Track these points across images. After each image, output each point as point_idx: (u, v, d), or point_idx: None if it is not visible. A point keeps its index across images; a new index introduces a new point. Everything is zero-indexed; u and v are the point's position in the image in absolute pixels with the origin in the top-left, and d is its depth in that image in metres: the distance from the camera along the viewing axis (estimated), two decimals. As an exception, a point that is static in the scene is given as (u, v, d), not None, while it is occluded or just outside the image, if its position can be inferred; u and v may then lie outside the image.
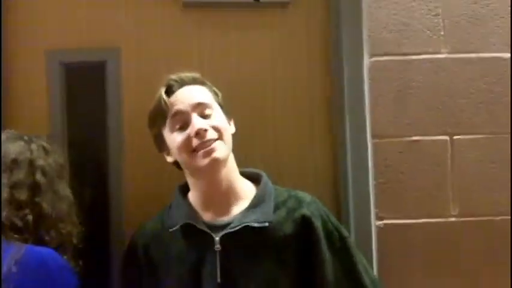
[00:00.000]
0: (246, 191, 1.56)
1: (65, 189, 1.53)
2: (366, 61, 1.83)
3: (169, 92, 1.53)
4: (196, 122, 1.47)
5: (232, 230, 1.47)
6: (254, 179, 1.59)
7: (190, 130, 1.47)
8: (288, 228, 1.50)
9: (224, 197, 1.54)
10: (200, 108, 1.50)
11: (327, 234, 1.52)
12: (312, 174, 1.91)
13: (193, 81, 1.55)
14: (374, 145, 1.82)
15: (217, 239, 1.48)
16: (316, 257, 1.50)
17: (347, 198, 1.85)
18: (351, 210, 1.83)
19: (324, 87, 1.93)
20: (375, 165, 1.81)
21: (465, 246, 1.80)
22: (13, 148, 1.50)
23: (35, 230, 1.45)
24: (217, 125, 1.50)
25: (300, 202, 1.54)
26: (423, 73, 1.82)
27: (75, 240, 1.52)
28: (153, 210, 1.82)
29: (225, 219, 1.52)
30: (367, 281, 1.51)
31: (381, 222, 1.81)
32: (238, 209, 1.52)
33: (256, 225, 1.47)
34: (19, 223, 1.42)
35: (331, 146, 1.92)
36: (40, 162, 1.50)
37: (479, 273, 1.80)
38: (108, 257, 1.93)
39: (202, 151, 1.47)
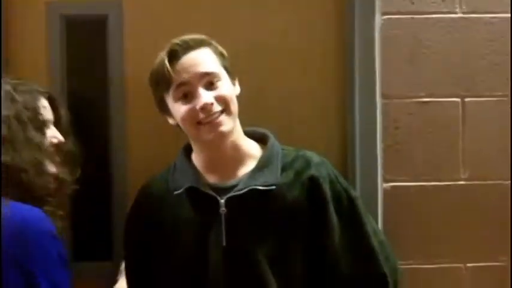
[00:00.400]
0: (253, 152, 1.51)
1: (35, 137, 1.41)
2: (378, 19, 1.78)
3: (173, 57, 1.43)
4: (203, 96, 1.41)
5: (238, 193, 1.44)
6: (260, 139, 1.54)
7: (196, 103, 1.41)
8: (296, 190, 1.46)
9: (230, 159, 1.49)
10: (206, 79, 1.43)
11: (334, 195, 1.48)
12: (320, 135, 1.88)
13: (199, 44, 1.45)
14: (383, 106, 1.79)
15: (222, 201, 1.44)
16: (323, 220, 1.46)
17: (354, 160, 1.83)
18: (358, 172, 1.81)
19: (335, 47, 1.89)
20: (384, 126, 1.79)
21: (474, 209, 1.79)
22: None
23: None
24: (223, 95, 1.43)
25: (308, 163, 1.49)
26: (437, 33, 1.78)
27: (50, 191, 1.41)
28: (156, 167, 1.79)
29: (231, 181, 1.48)
30: (374, 243, 1.48)
31: (388, 184, 1.79)
32: (244, 170, 1.48)
33: (262, 188, 1.43)
34: None
35: (341, 106, 1.89)
36: (5, 112, 1.39)
37: (489, 237, 1.78)
38: (109, 216, 1.93)
39: (208, 125, 1.43)
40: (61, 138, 1.50)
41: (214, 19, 1.87)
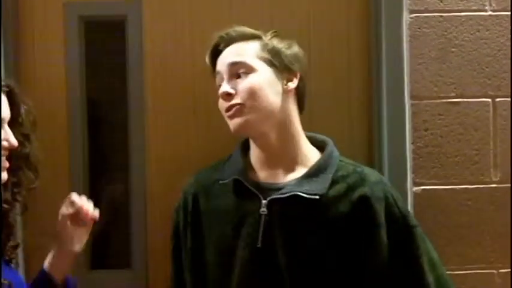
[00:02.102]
0: (309, 157, 1.46)
1: None
2: (406, 18, 1.75)
3: (216, 51, 1.46)
4: (223, 85, 1.41)
5: (280, 196, 1.40)
6: (321, 146, 1.51)
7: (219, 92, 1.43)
8: (344, 206, 1.40)
9: (280, 160, 1.46)
10: (234, 68, 1.42)
11: (389, 220, 1.40)
12: (346, 137, 1.85)
13: (241, 37, 1.45)
14: (412, 107, 1.76)
15: (264, 201, 1.41)
16: (371, 244, 1.39)
17: (382, 163, 1.80)
18: (386, 175, 1.76)
19: (361, 46, 1.86)
20: (413, 128, 1.76)
21: (506, 213, 1.75)
22: None
23: None
24: (246, 87, 1.40)
25: (363, 180, 1.43)
26: (466, 31, 1.76)
27: None
28: (175, 170, 1.83)
29: (279, 183, 1.44)
30: (430, 278, 1.40)
31: (418, 188, 1.76)
32: (295, 175, 1.44)
33: (305, 196, 1.39)
34: None
35: (367, 107, 1.86)
36: None
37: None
38: (128, 224, 1.91)
39: (227, 114, 1.42)
40: (13, 141, 1.33)
41: (233, 18, 1.81)
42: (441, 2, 1.74)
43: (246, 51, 1.42)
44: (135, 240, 1.89)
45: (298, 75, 1.45)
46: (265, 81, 1.41)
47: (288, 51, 1.45)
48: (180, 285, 1.55)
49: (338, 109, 1.86)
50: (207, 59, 1.47)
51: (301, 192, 1.39)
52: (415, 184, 1.75)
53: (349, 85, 1.86)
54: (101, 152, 1.92)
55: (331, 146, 1.49)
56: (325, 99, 1.85)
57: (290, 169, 1.45)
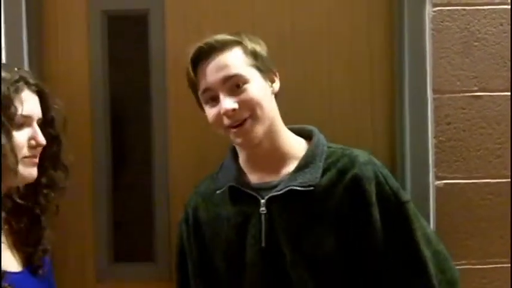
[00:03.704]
0: (297, 150, 1.47)
1: None
2: (429, 11, 1.75)
3: (198, 61, 1.43)
4: (224, 102, 1.38)
5: (277, 193, 1.42)
6: (308, 136, 1.51)
7: (219, 109, 1.39)
8: (338, 191, 1.41)
9: (271, 159, 1.47)
10: (230, 83, 1.39)
11: (381, 198, 1.41)
12: (369, 131, 1.85)
13: (225, 45, 1.41)
14: (435, 101, 1.75)
15: (262, 201, 1.43)
16: (366, 224, 1.40)
17: (404, 157, 1.79)
18: (408, 169, 1.78)
19: (383, 40, 1.85)
20: (436, 122, 1.76)
21: (529, 207, 1.74)
22: None
23: None
24: (249, 99, 1.39)
25: (352, 162, 1.43)
26: (489, 24, 1.75)
27: None
28: (197, 166, 1.85)
29: (273, 181, 1.46)
30: (426, 252, 1.40)
31: (440, 182, 1.76)
32: (287, 170, 1.45)
33: (300, 189, 1.40)
34: None
35: (389, 101, 1.85)
36: None
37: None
38: (151, 217, 1.92)
39: (233, 130, 1.41)
40: (41, 140, 1.34)
41: (256, 11, 1.84)
42: (464, -5, 1.74)
43: (234, 62, 1.40)
44: (158, 233, 1.90)
45: (277, 74, 1.47)
46: (261, 88, 1.42)
47: (264, 52, 1.45)
48: None
49: (360, 103, 1.85)
50: (191, 73, 1.43)
51: (295, 186, 1.40)
52: (437, 178, 1.75)
53: (372, 79, 1.86)
54: (124, 147, 1.94)
55: (317, 135, 1.49)
56: (347, 94, 1.85)
57: (281, 165, 1.46)
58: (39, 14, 1.86)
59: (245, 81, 1.39)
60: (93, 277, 1.91)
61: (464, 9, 1.74)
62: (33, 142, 1.32)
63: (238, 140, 1.42)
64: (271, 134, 1.45)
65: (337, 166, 1.43)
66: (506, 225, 1.74)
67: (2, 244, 1.33)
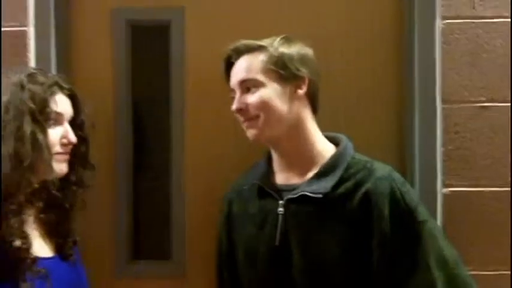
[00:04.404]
0: (324, 156, 1.51)
1: (29, 129, 1.36)
2: (439, 24, 1.79)
3: (228, 63, 1.54)
4: (236, 101, 1.50)
5: (292, 196, 1.47)
6: (337, 143, 1.55)
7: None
8: (352, 202, 1.44)
9: (296, 162, 1.52)
10: (244, 84, 1.49)
11: (394, 215, 1.41)
12: (379, 139, 1.89)
13: (249, 50, 1.51)
14: (444, 110, 1.79)
15: (281, 202, 1.48)
16: (374, 238, 1.41)
17: (413, 164, 1.83)
18: (417, 177, 1.81)
19: (395, 51, 1.90)
20: (444, 131, 1.79)
21: (535, 215, 1.76)
22: None
23: None
24: (256, 102, 1.47)
25: (369, 175, 1.45)
26: (497, 37, 1.79)
27: (22, 187, 1.36)
28: (213, 167, 1.91)
29: (296, 183, 1.50)
30: (435, 274, 1.38)
31: (447, 189, 1.79)
32: (312, 173, 1.50)
33: (310, 195, 1.45)
34: None
35: (399, 110, 1.89)
36: (5, 98, 1.37)
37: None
38: (169, 216, 1.97)
39: (244, 124, 1.51)
40: (72, 138, 1.45)
41: (270, 23, 1.89)
42: (473, 8, 1.78)
43: (253, 67, 1.48)
44: (175, 233, 1.95)
45: (307, 80, 1.49)
46: (273, 93, 1.47)
47: (295, 58, 1.48)
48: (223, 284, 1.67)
49: (371, 112, 1.89)
50: (225, 76, 1.55)
51: (307, 192, 1.45)
52: (445, 185, 1.79)
53: (383, 89, 1.90)
54: (144, 149, 1.98)
55: (343, 144, 1.52)
56: (359, 103, 1.89)
57: (306, 170, 1.50)
58: (67, 24, 1.93)
59: (258, 86, 1.47)
60: (111, 275, 1.96)
61: (473, 22, 1.78)
62: (64, 140, 1.43)
63: (248, 134, 1.50)
64: (292, 137, 1.50)
65: (355, 177, 1.46)
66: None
67: (35, 231, 1.44)
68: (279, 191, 1.51)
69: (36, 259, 1.37)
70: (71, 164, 1.48)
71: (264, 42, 1.50)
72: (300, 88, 1.49)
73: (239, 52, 1.51)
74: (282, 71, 1.48)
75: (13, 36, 1.86)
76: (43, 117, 1.38)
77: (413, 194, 1.46)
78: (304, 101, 1.50)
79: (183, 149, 1.94)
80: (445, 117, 1.79)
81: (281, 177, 1.54)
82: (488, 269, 1.78)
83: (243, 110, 1.48)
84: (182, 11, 1.93)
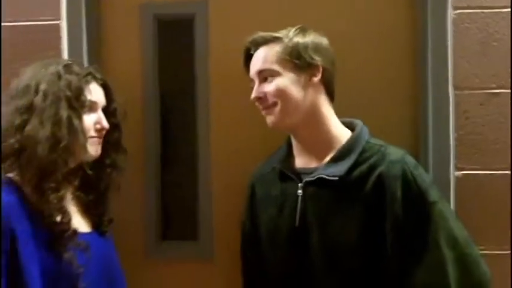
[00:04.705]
0: (341, 140, 1.58)
1: (65, 115, 1.48)
2: (450, 13, 1.85)
3: (247, 55, 1.63)
4: (254, 90, 1.59)
5: (310, 179, 1.55)
6: (353, 128, 1.62)
7: None
8: (366, 185, 1.50)
9: (313, 147, 1.60)
10: (262, 74, 1.58)
11: (406, 197, 1.46)
12: (394, 126, 1.94)
13: (265, 41, 1.59)
14: (456, 97, 1.86)
15: (300, 185, 1.56)
16: (388, 220, 1.47)
17: (427, 149, 1.89)
18: (431, 161, 1.87)
19: (408, 40, 1.96)
20: (456, 117, 1.86)
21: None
22: (28, 74, 1.52)
23: (18, 157, 1.45)
24: (272, 91, 1.55)
25: (383, 159, 1.51)
26: (507, 26, 1.84)
27: (59, 168, 1.47)
28: (237, 152, 1.99)
29: (314, 166, 1.58)
30: (445, 253, 1.43)
31: (459, 172, 1.85)
32: (329, 157, 1.57)
33: (327, 178, 1.52)
34: (4, 150, 1.46)
35: (413, 97, 1.95)
36: (44, 86, 1.49)
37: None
38: (195, 197, 2.06)
39: (263, 111, 1.61)
40: (105, 124, 1.57)
41: (290, 17, 1.91)
42: (483, -1, 1.83)
43: (269, 57, 1.56)
44: (202, 214, 2.03)
45: (321, 68, 1.56)
46: (289, 82, 1.54)
47: (309, 47, 1.55)
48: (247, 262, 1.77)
49: (388, 99, 1.95)
50: (245, 68, 1.64)
51: (324, 175, 1.52)
52: (457, 169, 1.85)
53: (398, 77, 1.95)
54: (171, 135, 2.07)
55: (358, 129, 1.59)
56: (376, 91, 1.95)
57: (324, 154, 1.58)
58: (97, 18, 2.03)
59: (274, 75, 1.55)
60: (142, 255, 2.04)
61: (483, 12, 1.84)
62: (98, 126, 1.56)
63: (267, 121, 1.59)
64: (309, 123, 1.57)
65: (370, 161, 1.52)
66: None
67: (73, 208, 1.57)
68: (299, 174, 1.59)
69: (76, 232, 1.49)
70: (105, 148, 1.61)
71: (279, 34, 1.58)
72: (315, 76, 1.56)
73: (257, 44, 1.60)
74: (297, 60, 1.55)
75: (46, 29, 1.96)
76: (78, 104, 1.50)
77: (425, 177, 1.51)
78: (319, 88, 1.57)
79: (208, 135, 2.02)
80: (457, 103, 1.85)
81: (300, 161, 1.62)
82: (499, 249, 1.84)
83: (261, 98, 1.57)
84: (205, 4, 2.01)
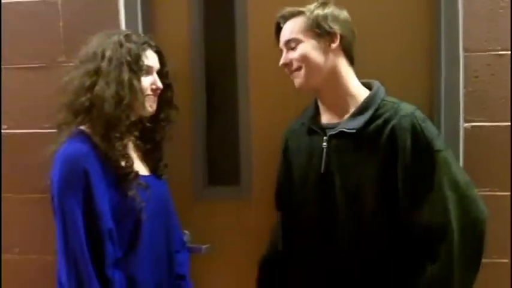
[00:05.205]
0: (360, 100, 1.75)
1: (126, 77, 1.67)
2: (461, -15, 2.03)
3: (279, 28, 1.81)
4: (282, 58, 1.79)
5: (333, 132, 1.74)
6: (371, 88, 1.78)
7: None
8: (381, 137, 1.65)
9: (335, 105, 1.78)
10: (288, 44, 1.76)
11: (415, 146, 1.61)
12: (410, 82, 2.12)
13: (291, 15, 1.77)
14: (465, 58, 2.05)
15: (325, 138, 1.76)
16: (399, 167, 1.62)
17: (439, 104, 2.08)
18: (442, 114, 2.06)
19: (424, 9, 2.13)
20: (465, 75, 2.05)
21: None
22: (95, 43, 1.73)
23: (89, 113, 1.67)
24: (297, 57, 1.74)
25: (395, 114, 1.66)
26: (511, -5, 2.01)
27: (123, 121, 1.68)
28: (275, 116, 2.19)
29: (337, 122, 1.76)
30: (447, 193, 1.58)
31: (468, 124, 2.05)
32: (349, 114, 1.75)
33: (347, 131, 1.70)
34: (77, 106, 1.68)
35: (428, 58, 2.12)
36: (108, 52, 1.69)
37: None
38: (237, 144, 2.28)
39: (291, 75, 1.80)
40: (159, 85, 1.78)
41: None
42: (492, -28, 1.99)
43: (294, 29, 1.76)
44: (243, 161, 2.24)
45: (339, 36, 1.73)
46: (310, 48, 1.74)
47: (328, 18, 1.72)
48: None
49: (404, 60, 2.12)
50: (274, 36, 1.82)
51: (344, 128, 1.71)
52: (466, 121, 2.04)
53: (414, 40, 2.13)
54: (215, 92, 2.29)
55: (375, 89, 1.76)
56: (394, 52, 2.13)
57: (345, 111, 1.76)
58: None
59: (298, 43, 1.74)
60: (191, 197, 2.27)
61: None
62: (153, 86, 1.80)
63: (295, 83, 1.78)
64: (330, 83, 1.75)
65: (384, 116, 1.68)
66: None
67: (134, 154, 1.81)
68: (323, 129, 1.78)
69: (138, 174, 1.74)
70: (160, 105, 1.85)
71: (303, 8, 1.76)
72: (333, 42, 1.73)
73: (285, 18, 1.78)
74: (317, 29, 1.73)
75: (106, 3, 2.20)
76: (137, 67, 1.71)
77: (431, 128, 1.66)
78: (338, 53, 1.74)
79: (248, 94, 2.24)
80: (467, 63, 2.04)
81: (325, 118, 1.81)
82: (502, 190, 2.05)
83: (288, 64, 1.77)
84: None
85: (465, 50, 2.05)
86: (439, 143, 1.64)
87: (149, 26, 2.23)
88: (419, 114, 1.68)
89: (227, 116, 2.28)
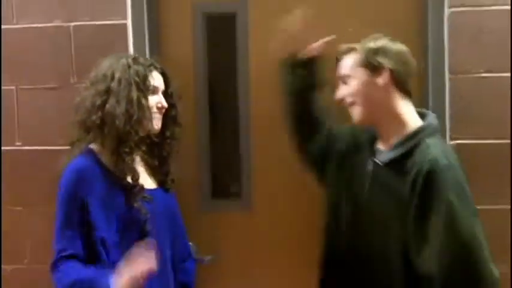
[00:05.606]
0: (406, 130, 1.75)
1: (135, 96, 1.77)
2: (446, 11, 2.17)
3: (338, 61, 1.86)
4: (336, 93, 1.85)
5: (374, 160, 1.81)
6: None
7: None
8: (406, 173, 1.68)
9: (385, 133, 1.81)
10: (341, 78, 1.82)
11: (428, 191, 1.62)
12: None
13: (346, 52, 1.83)
14: (450, 80, 2.18)
15: (370, 161, 1.82)
16: (412, 205, 1.66)
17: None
18: (430, 133, 2.19)
19: (412, 34, 2.24)
20: (451, 95, 2.18)
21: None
22: (104, 65, 1.82)
23: (100, 129, 1.77)
24: (349, 92, 1.79)
25: (424, 157, 1.66)
26: (494, 21, 2.15)
27: (132, 137, 1.77)
28: (277, 149, 2.28)
29: (383, 149, 1.81)
30: (445, 247, 1.58)
31: (454, 141, 2.18)
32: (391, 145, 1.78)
33: (377, 161, 1.78)
34: (89, 124, 1.78)
35: (416, 82, 2.10)
36: (118, 74, 1.78)
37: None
38: (239, 159, 2.40)
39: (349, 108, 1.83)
40: (164, 103, 1.86)
41: (324, 16, 2.12)
42: (473, -1, 2.14)
43: (346, 65, 1.81)
44: (244, 177, 2.36)
45: (388, 70, 1.73)
46: (360, 84, 1.78)
47: (377, 53, 1.74)
48: None
49: None
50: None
51: (377, 160, 1.79)
52: (452, 139, 2.17)
53: None
54: (218, 118, 2.40)
55: (422, 125, 1.76)
56: None
57: (393, 139, 1.77)
58: (157, 16, 2.34)
59: (349, 79, 1.80)
60: (197, 209, 2.37)
61: (474, 10, 2.15)
62: (159, 105, 1.88)
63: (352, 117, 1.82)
64: (386, 117, 1.77)
65: (414, 156, 1.69)
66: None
67: (142, 168, 1.91)
68: (373, 151, 1.84)
69: (143, 187, 1.85)
70: (165, 123, 1.95)
71: (356, 45, 1.80)
72: (381, 76, 1.74)
73: (341, 53, 1.84)
74: (365, 65, 1.76)
75: (115, 28, 2.30)
76: (145, 87, 1.82)
77: (450, 177, 1.63)
78: (389, 87, 1.74)
79: (249, 113, 2.35)
80: (452, 85, 2.17)
81: (380, 142, 1.85)
82: (487, 204, 2.11)
83: (342, 99, 1.81)
84: (246, 3, 2.31)
85: (451, 72, 2.18)
86: (452, 194, 1.61)
87: (155, 48, 2.33)
88: (442, 161, 1.65)
89: (229, 133, 2.37)
